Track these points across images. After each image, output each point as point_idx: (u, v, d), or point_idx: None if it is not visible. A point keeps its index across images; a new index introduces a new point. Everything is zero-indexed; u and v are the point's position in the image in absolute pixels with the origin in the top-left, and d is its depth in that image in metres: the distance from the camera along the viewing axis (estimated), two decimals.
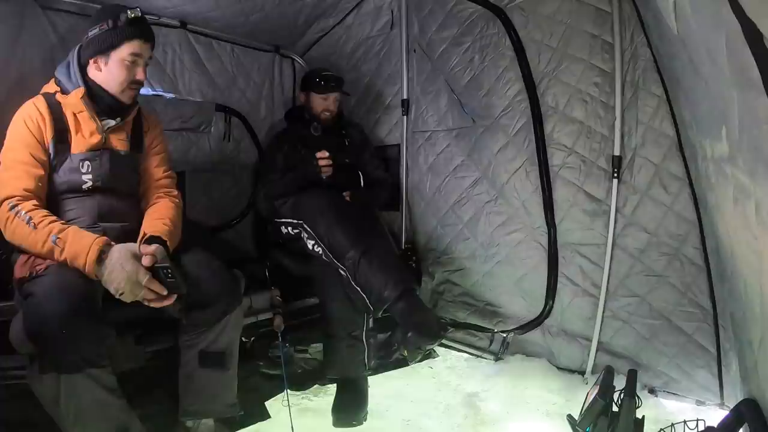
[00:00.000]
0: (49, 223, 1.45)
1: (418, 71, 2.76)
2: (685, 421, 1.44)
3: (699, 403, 2.06)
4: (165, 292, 1.46)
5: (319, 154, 2.47)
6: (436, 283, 2.77)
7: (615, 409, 1.56)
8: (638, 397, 1.55)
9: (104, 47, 1.63)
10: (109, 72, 1.65)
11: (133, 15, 1.62)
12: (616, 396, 1.58)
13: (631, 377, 1.63)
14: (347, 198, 2.51)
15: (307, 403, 2.18)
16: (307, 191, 2.37)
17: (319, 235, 2.11)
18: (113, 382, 1.41)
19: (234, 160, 2.79)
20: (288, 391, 1.91)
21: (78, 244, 1.41)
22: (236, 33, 2.71)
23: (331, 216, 2.14)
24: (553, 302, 2.39)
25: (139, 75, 1.68)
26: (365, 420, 2.03)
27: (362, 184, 2.63)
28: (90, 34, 1.64)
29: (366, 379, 2.16)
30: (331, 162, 2.46)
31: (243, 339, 1.99)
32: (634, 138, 2.12)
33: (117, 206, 1.69)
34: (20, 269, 1.49)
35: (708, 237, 1.95)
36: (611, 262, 2.21)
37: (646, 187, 2.12)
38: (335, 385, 2.16)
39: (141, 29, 1.66)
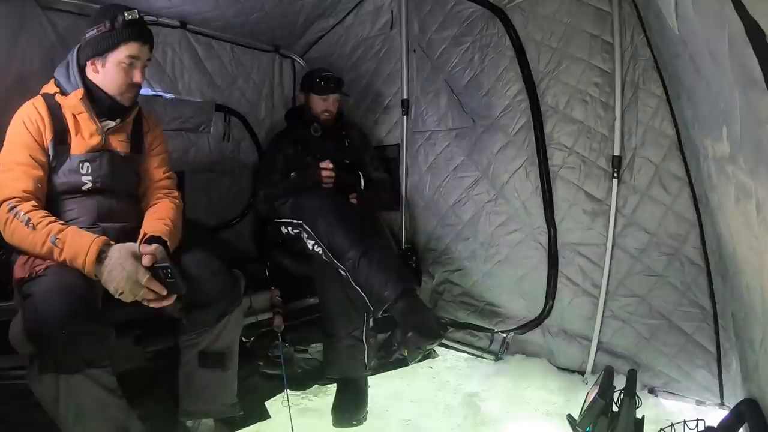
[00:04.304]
0: (48, 223, 1.44)
1: (418, 71, 2.76)
2: (685, 421, 1.44)
3: (699, 403, 2.06)
4: (164, 292, 1.46)
5: (322, 165, 2.47)
6: (436, 283, 2.77)
7: (615, 409, 1.56)
8: (638, 397, 1.56)
9: (101, 49, 1.62)
10: (106, 74, 1.64)
11: (130, 17, 1.60)
12: (616, 396, 1.58)
13: (631, 377, 1.63)
14: (353, 201, 2.51)
15: (307, 403, 2.18)
16: (308, 191, 2.37)
17: (319, 235, 2.11)
18: (113, 382, 1.41)
19: (234, 160, 2.79)
20: (288, 391, 1.91)
21: (77, 244, 1.41)
22: (236, 33, 2.70)
23: (331, 216, 2.13)
24: (553, 302, 2.39)
25: (137, 77, 1.66)
26: (365, 420, 2.03)
27: (362, 185, 2.63)
28: (88, 35, 1.63)
29: (366, 379, 2.16)
30: (333, 175, 2.47)
31: (243, 339, 1.99)
32: (634, 138, 2.12)
33: (117, 207, 1.69)
34: (20, 270, 1.48)
35: (708, 237, 1.95)
36: (611, 262, 2.21)
37: (646, 187, 2.11)
38: (335, 385, 2.15)
39: (139, 31, 1.64)
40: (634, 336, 2.20)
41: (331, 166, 2.48)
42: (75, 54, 1.66)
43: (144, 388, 1.72)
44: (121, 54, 1.62)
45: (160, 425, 1.69)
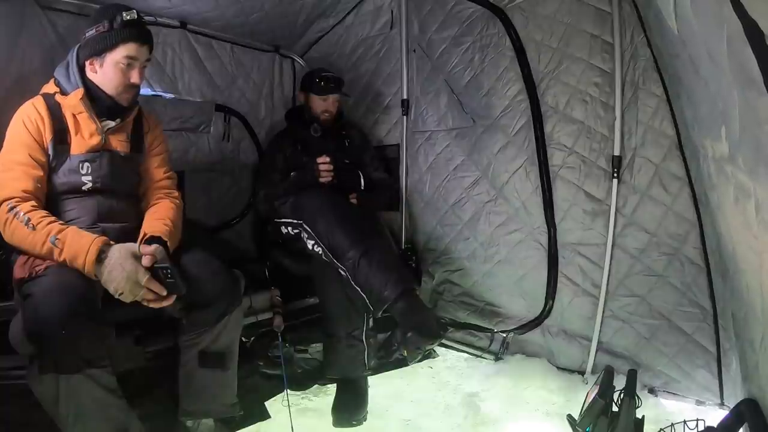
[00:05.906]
0: (48, 223, 1.44)
1: (418, 71, 2.76)
2: (685, 421, 1.44)
3: (699, 403, 2.06)
4: (164, 293, 1.46)
5: (319, 160, 2.47)
6: (436, 283, 2.76)
7: (615, 409, 1.56)
8: (638, 397, 1.56)
9: (99, 49, 1.61)
10: (104, 74, 1.64)
11: (128, 17, 1.60)
12: (616, 396, 1.58)
13: (631, 377, 1.63)
14: (353, 201, 2.51)
15: (307, 403, 2.18)
16: (307, 191, 2.37)
17: (319, 235, 2.11)
18: (113, 382, 1.41)
19: (233, 160, 2.79)
20: (288, 391, 1.92)
21: (77, 244, 1.41)
22: (236, 33, 2.71)
23: (331, 216, 2.13)
24: (553, 302, 2.39)
25: (134, 78, 1.65)
26: (365, 420, 2.03)
27: (362, 185, 2.63)
28: (87, 34, 1.63)
29: (366, 379, 2.16)
30: (331, 168, 2.47)
31: (243, 339, 1.99)
32: (634, 138, 2.12)
33: (117, 207, 1.69)
34: (20, 270, 1.48)
35: (708, 236, 1.95)
36: (611, 261, 2.21)
37: (646, 187, 2.11)
38: (335, 385, 2.16)
39: (137, 32, 1.64)
40: (634, 336, 2.20)
41: (327, 159, 2.47)
42: (75, 54, 1.66)
43: (144, 388, 1.73)
44: (118, 54, 1.61)
45: (160, 425, 1.69)
